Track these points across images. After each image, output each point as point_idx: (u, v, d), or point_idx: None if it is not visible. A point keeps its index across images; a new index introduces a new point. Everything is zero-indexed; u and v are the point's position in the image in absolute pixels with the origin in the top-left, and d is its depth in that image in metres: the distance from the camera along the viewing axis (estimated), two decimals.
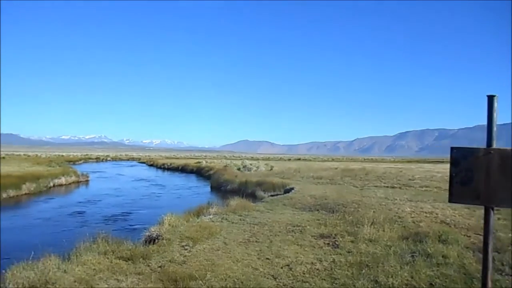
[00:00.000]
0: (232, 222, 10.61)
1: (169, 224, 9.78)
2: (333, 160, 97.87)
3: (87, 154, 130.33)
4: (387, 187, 18.98)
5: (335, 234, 8.73)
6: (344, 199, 14.13)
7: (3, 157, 59.20)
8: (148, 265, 6.59)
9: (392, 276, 5.73)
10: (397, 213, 11.12)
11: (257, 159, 73.00)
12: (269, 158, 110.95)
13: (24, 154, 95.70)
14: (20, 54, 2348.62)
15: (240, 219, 11.05)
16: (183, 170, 52.40)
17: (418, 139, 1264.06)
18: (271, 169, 36.88)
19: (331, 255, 7.16)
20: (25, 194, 21.83)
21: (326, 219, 10.57)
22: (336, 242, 8.05)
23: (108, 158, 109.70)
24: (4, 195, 19.75)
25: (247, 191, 21.23)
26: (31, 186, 22.91)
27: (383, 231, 8.62)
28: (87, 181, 32.47)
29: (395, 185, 19.49)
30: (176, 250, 7.53)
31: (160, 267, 6.49)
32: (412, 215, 10.73)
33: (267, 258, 7.01)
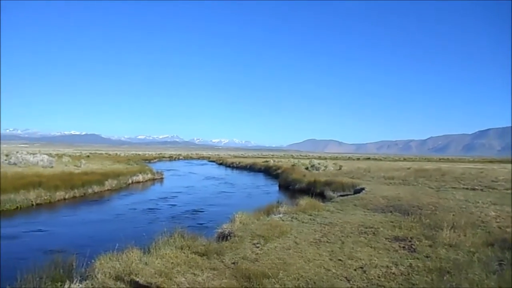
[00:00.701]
0: (302, 222, 10.57)
1: (240, 222, 10.00)
2: (405, 159, 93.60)
3: (161, 153, 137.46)
4: (467, 189, 17.79)
5: (411, 238, 8.36)
6: (419, 201, 13.47)
7: (88, 156, 64.31)
8: (222, 261, 6.79)
9: (477, 285, 5.34)
10: (479, 217, 10.37)
11: (325, 158, 72.01)
12: (337, 157, 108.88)
13: (105, 153, 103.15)
14: (97, 58, 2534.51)
15: (310, 219, 10.98)
16: (251, 169, 53.24)
17: (500, 137, 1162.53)
18: (339, 169, 36.16)
19: (407, 259, 6.85)
20: (107, 190, 23.51)
21: (401, 221, 10.14)
22: (413, 246, 7.69)
23: (180, 157, 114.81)
24: (89, 190, 21.51)
25: (316, 190, 21.04)
26: (112, 183, 24.65)
27: (465, 236, 8.07)
28: (161, 178, 34.22)
29: (476, 187, 18.19)
30: (248, 248, 7.68)
31: (233, 263, 6.65)
32: (498, 220, 9.94)
33: (340, 260, 6.89)
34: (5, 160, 32.20)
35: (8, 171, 24.88)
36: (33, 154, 41.05)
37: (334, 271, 6.31)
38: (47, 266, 5.83)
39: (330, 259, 6.94)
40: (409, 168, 33.66)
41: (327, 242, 8.25)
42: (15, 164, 31.34)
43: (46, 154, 42.08)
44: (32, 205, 16.95)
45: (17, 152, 43.36)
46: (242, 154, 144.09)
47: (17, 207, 16.22)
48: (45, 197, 17.89)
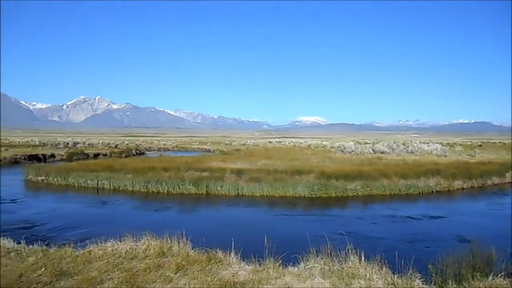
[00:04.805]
0: None
1: None
2: None
3: None
4: None
5: None
6: None
7: (479, 145, 61.12)
8: None
9: None
10: None
11: None
12: None
13: (499, 142, 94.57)
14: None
15: None
16: None
17: None
18: None
19: None
20: (509, 182, 21.39)
21: None
22: None
23: None
24: (488, 182, 20.36)
25: None
26: None
27: None
28: None
29: None
30: None
31: None
32: None
33: None
34: (403, 148, 35.62)
35: (407, 158, 27.47)
36: (426, 143, 43.34)
37: None
38: (465, 253, 5.85)
39: None
40: None
41: None
42: (412, 152, 34.15)
43: (438, 143, 43.34)
44: (432, 191, 17.85)
45: (411, 141, 47.06)
46: None
47: (419, 192, 17.61)
48: (444, 185, 18.46)
